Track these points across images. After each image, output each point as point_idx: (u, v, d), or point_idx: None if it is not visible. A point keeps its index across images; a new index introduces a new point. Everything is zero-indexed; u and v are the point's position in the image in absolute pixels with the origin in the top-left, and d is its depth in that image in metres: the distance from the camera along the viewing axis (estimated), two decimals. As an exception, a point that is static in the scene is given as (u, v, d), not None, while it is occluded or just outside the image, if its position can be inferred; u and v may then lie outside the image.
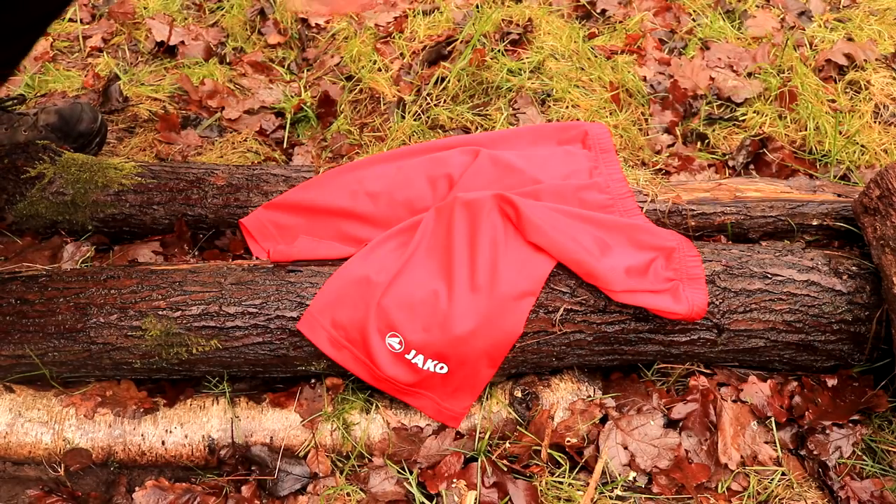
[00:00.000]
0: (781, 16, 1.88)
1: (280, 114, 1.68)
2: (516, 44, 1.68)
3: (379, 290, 1.04)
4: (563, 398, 1.11)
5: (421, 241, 1.11)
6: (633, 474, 1.05)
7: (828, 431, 1.08)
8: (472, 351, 1.04)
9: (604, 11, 1.87)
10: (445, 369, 1.04)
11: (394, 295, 1.05)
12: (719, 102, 1.65)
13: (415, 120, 1.57)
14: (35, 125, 1.42)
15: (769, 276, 1.10)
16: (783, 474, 1.06)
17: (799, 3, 1.92)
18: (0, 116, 1.42)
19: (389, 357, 1.04)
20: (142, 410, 1.09)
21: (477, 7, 1.86)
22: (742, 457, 1.07)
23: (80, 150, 1.43)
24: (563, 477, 1.05)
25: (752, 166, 1.53)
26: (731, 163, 1.52)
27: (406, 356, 1.04)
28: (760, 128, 1.57)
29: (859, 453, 1.07)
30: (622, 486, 1.04)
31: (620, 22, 1.84)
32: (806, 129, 1.55)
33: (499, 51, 1.65)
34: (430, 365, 1.04)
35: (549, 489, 1.03)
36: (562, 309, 1.07)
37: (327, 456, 1.08)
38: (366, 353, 1.05)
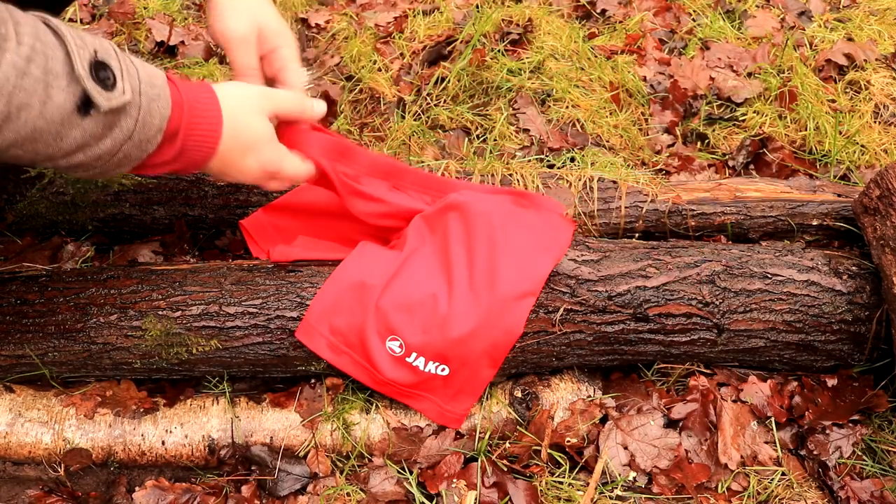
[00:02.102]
0: (781, 16, 1.88)
1: (280, 114, 1.68)
2: (516, 44, 1.68)
3: (375, 293, 1.04)
4: (563, 398, 1.11)
5: (417, 244, 1.11)
6: (633, 474, 1.05)
7: (828, 431, 1.08)
8: (472, 352, 1.04)
9: (604, 11, 1.87)
10: (447, 371, 1.04)
11: (391, 298, 1.05)
12: (719, 102, 1.65)
13: (415, 120, 1.57)
14: None
15: (769, 276, 1.10)
16: (783, 474, 1.06)
17: (799, 3, 1.92)
18: None
19: (390, 360, 1.04)
20: (142, 410, 1.09)
21: (477, 7, 1.86)
22: (742, 457, 1.07)
23: None
24: (563, 477, 1.05)
25: (752, 166, 1.53)
26: (731, 163, 1.52)
27: (407, 359, 1.04)
28: (760, 128, 1.57)
29: (859, 453, 1.07)
30: (622, 486, 1.04)
31: (620, 22, 1.84)
32: (806, 129, 1.55)
33: (499, 51, 1.65)
34: (431, 367, 1.04)
35: (549, 489, 1.03)
36: (562, 309, 1.07)
37: (327, 456, 1.08)
38: (366, 358, 1.05)
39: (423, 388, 1.06)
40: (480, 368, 1.06)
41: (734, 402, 1.12)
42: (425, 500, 1.03)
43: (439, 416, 1.08)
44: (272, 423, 1.09)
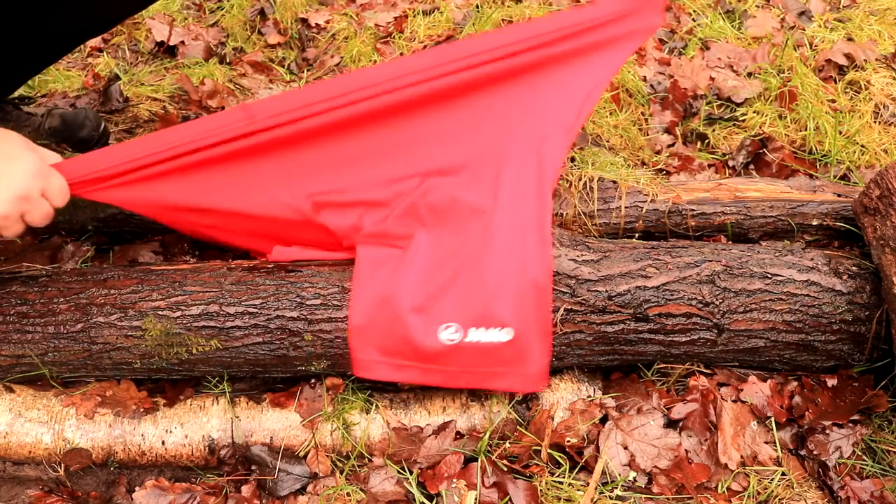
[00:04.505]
0: (781, 16, 1.88)
1: (280, 114, 1.68)
2: (516, 44, 1.68)
3: (402, 299, 1.03)
4: (563, 398, 1.11)
5: (417, 239, 1.10)
6: (633, 474, 1.05)
7: (828, 431, 1.08)
8: (522, 295, 1.02)
9: (604, 11, 1.87)
10: (511, 333, 1.03)
11: (420, 292, 1.03)
12: (719, 102, 1.65)
13: (415, 120, 1.56)
14: (39, 128, 1.43)
15: (769, 276, 1.10)
16: (783, 474, 1.06)
17: (799, 3, 1.92)
18: (10, 114, 1.42)
19: (454, 349, 1.02)
20: (142, 410, 1.09)
21: (477, 7, 1.86)
22: (742, 457, 1.07)
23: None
24: (563, 477, 1.05)
25: (752, 166, 1.53)
26: (731, 163, 1.53)
27: (466, 339, 1.02)
28: (760, 128, 1.57)
29: (859, 453, 1.07)
30: (622, 486, 1.04)
31: (620, 22, 1.84)
32: (806, 129, 1.55)
33: (499, 51, 1.65)
34: (493, 334, 1.02)
35: (549, 489, 1.03)
36: (562, 309, 1.07)
37: (327, 456, 1.08)
38: (429, 361, 1.03)
39: (497, 363, 1.04)
40: (537, 306, 1.04)
41: (734, 402, 1.12)
42: (425, 500, 1.03)
43: (524, 383, 1.06)
44: (272, 423, 1.09)
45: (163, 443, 1.07)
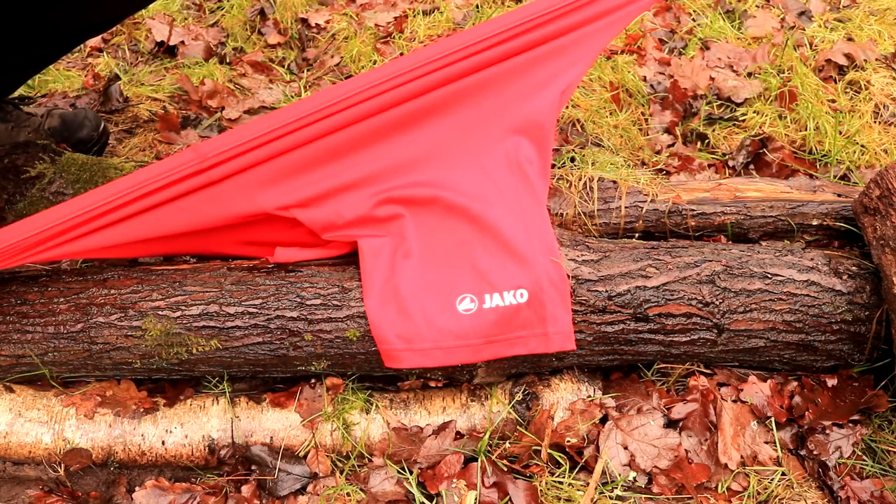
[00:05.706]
0: (781, 16, 1.88)
1: (280, 114, 1.68)
2: (516, 44, 1.68)
3: (408, 283, 1.03)
4: (563, 398, 1.11)
5: (408, 223, 1.09)
6: (633, 474, 1.05)
7: (828, 431, 1.08)
8: (528, 251, 1.02)
9: (604, 11, 1.87)
10: (526, 294, 1.03)
11: (424, 272, 1.03)
12: (719, 102, 1.65)
13: (415, 120, 1.56)
14: (39, 128, 1.43)
15: (769, 276, 1.10)
16: (783, 474, 1.06)
17: (799, 3, 1.92)
18: (10, 114, 1.42)
19: (473, 319, 1.02)
20: (142, 410, 1.09)
21: (477, 7, 1.86)
22: (742, 457, 1.07)
23: None
24: (563, 477, 1.05)
25: (752, 166, 1.53)
26: (731, 163, 1.53)
27: (484, 305, 1.02)
28: (760, 128, 1.57)
29: (859, 453, 1.07)
30: (622, 486, 1.04)
31: (620, 22, 1.84)
32: (806, 129, 1.55)
33: (499, 51, 1.65)
34: (508, 298, 1.02)
35: (549, 489, 1.03)
36: (562, 309, 1.07)
37: (327, 456, 1.08)
38: (451, 338, 1.03)
39: (518, 327, 1.04)
40: (546, 263, 1.03)
41: (734, 402, 1.12)
42: (425, 500, 1.03)
43: (549, 343, 1.04)
44: (272, 423, 1.09)
45: (163, 443, 1.07)
